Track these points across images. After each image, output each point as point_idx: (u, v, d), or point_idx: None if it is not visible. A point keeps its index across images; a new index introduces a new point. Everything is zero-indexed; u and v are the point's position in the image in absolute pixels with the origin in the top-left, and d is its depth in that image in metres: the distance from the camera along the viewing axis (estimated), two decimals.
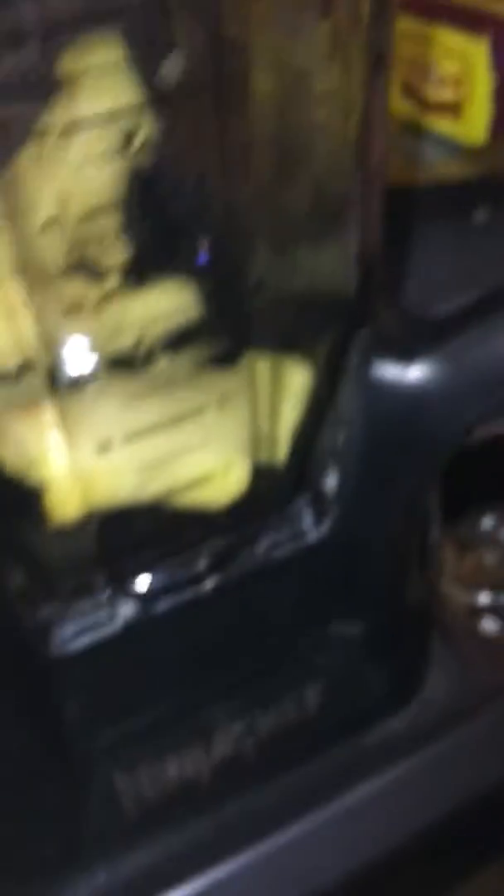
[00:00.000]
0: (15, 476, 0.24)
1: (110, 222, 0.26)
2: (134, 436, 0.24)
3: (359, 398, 0.26)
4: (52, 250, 0.24)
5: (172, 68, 0.21)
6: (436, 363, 0.26)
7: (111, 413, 0.24)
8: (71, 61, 0.22)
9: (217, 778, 0.30)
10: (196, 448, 0.25)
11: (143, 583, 0.27)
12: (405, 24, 0.43)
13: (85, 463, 0.24)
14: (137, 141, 0.25)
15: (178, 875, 0.28)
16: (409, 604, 0.32)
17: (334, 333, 0.26)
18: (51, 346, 0.24)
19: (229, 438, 0.26)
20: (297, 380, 0.28)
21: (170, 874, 0.28)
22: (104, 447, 0.23)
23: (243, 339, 0.27)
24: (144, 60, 0.25)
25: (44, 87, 0.22)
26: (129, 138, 0.25)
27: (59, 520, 0.24)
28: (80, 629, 0.26)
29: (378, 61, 0.24)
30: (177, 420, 0.25)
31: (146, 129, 0.24)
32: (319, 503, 0.28)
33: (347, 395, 0.26)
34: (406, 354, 0.26)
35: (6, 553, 0.24)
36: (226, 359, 0.27)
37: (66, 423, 0.23)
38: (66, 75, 0.24)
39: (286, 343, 0.27)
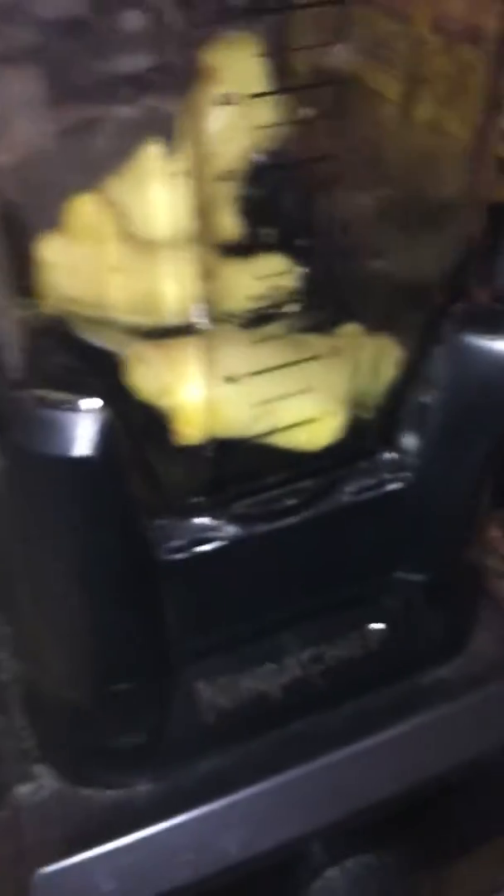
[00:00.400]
0: (147, 402, 0.28)
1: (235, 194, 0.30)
2: (255, 374, 0.28)
3: (449, 365, 0.30)
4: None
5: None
6: None
7: (237, 352, 0.28)
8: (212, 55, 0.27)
9: (286, 697, 0.33)
10: (302, 394, 0.29)
11: (243, 509, 0.31)
12: None
13: (212, 393, 0.28)
14: (271, 123, 0.29)
15: (246, 779, 0.32)
16: (467, 560, 0.35)
17: (431, 308, 0.30)
18: (191, 300, 0.28)
19: (331, 390, 0.30)
20: (395, 350, 0.31)
21: (237, 777, 0.32)
22: (231, 380, 0.27)
23: (347, 311, 0.31)
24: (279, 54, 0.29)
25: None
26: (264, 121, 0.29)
27: (183, 442, 0.28)
28: (187, 541, 0.30)
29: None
30: (290, 366, 0.28)
31: (280, 114, 0.29)
32: (401, 457, 0.32)
33: (439, 362, 0.30)
34: (495, 328, 0.29)
35: (135, 469, 0.28)
36: (326, 327, 0.31)
37: (201, 357, 0.27)
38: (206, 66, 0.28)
39: (388, 315, 0.31)
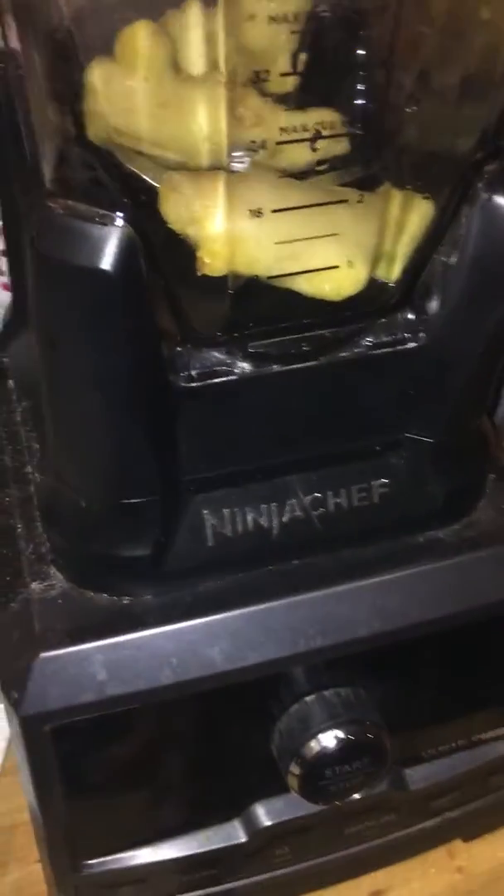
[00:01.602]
0: (175, 231, 0.30)
1: (286, 45, 0.31)
2: (281, 211, 0.29)
3: (476, 226, 0.30)
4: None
5: None
6: None
7: (265, 188, 0.29)
8: None
9: (285, 534, 0.35)
10: (327, 238, 0.30)
11: (259, 348, 0.32)
12: None
13: (237, 226, 0.29)
14: None
15: (238, 601, 0.34)
16: (476, 428, 0.36)
17: (465, 165, 0.30)
18: (226, 136, 0.28)
19: (357, 239, 0.31)
20: (424, 208, 0.32)
21: (230, 599, 0.34)
22: (257, 214, 0.28)
23: (384, 169, 0.32)
24: None
25: None
26: None
27: (206, 272, 0.29)
28: (205, 372, 0.32)
29: None
30: (317, 207, 0.29)
31: None
32: (420, 317, 0.33)
33: (467, 223, 0.30)
34: None
35: (158, 295, 0.30)
36: (365, 184, 0.31)
37: (229, 189, 0.28)
38: None
39: (421, 169, 0.31)
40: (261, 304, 0.32)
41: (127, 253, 0.27)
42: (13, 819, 0.46)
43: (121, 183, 0.29)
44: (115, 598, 0.35)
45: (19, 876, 0.44)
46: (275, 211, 0.28)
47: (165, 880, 0.40)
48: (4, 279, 0.62)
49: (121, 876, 0.39)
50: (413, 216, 0.31)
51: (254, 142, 0.27)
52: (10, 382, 0.44)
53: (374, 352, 0.33)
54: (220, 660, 0.33)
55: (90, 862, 0.38)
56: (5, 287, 0.62)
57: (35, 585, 0.35)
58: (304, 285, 0.31)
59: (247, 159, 0.29)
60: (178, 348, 0.31)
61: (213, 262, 0.29)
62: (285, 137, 0.30)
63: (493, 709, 0.41)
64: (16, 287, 0.42)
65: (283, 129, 0.29)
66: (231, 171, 0.29)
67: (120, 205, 0.27)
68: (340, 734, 0.36)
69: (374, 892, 0.45)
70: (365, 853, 0.43)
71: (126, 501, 0.33)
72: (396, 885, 0.45)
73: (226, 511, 0.35)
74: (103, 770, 0.36)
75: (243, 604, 0.34)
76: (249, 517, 0.35)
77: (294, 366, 0.32)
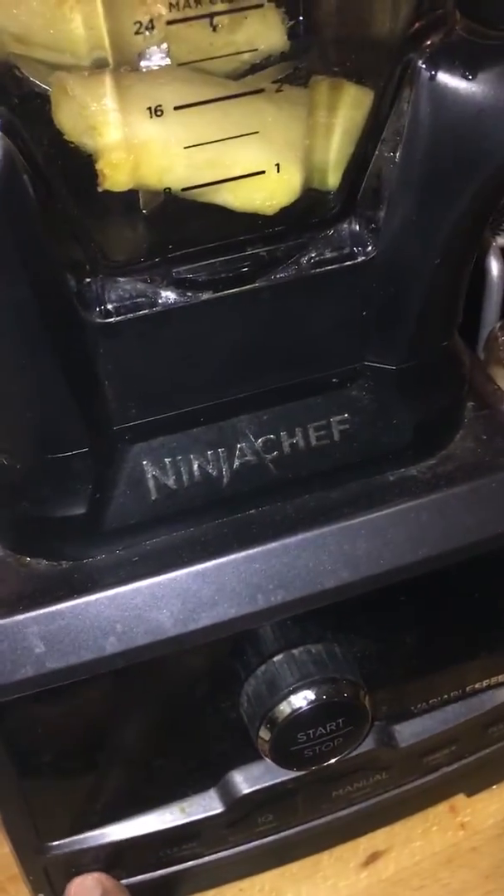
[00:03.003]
0: (73, 143, 0.26)
1: None
2: (185, 107, 0.25)
3: (419, 112, 0.26)
4: None
5: None
6: (499, 78, 0.25)
7: (165, 82, 0.25)
8: None
9: (237, 482, 0.32)
10: (249, 139, 0.26)
11: (186, 274, 0.28)
12: None
13: (137, 129, 0.25)
14: None
15: (187, 559, 0.31)
16: (445, 350, 0.32)
17: (400, 45, 0.26)
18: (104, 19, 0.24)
19: (285, 138, 0.27)
20: (358, 96, 0.28)
21: (178, 557, 0.31)
22: (156, 112, 0.24)
23: (313, 64, 0.27)
24: None
25: None
26: None
27: (108, 187, 0.26)
28: (123, 305, 0.28)
29: None
30: (231, 101, 0.25)
31: None
32: (365, 226, 0.29)
33: (407, 108, 0.26)
34: (471, 67, 0.25)
35: (53, 221, 0.26)
36: (296, 80, 0.27)
37: (121, 88, 0.24)
38: None
39: (349, 53, 0.27)
40: (182, 222, 0.28)
41: (5, 171, 0.23)
42: None
43: (7, 93, 0.25)
44: (53, 563, 0.31)
45: None
46: (178, 108, 0.24)
47: (143, 856, 0.38)
48: None
49: (91, 855, 0.36)
50: (346, 107, 0.27)
51: (139, 23, 0.23)
52: None
53: (318, 270, 0.29)
54: (169, 623, 0.30)
55: (55, 843, 0.35)
56: None
57: None
58: (230, 198, 0.27)
59: (143, 55, 0.24)
60: (88, 279, 0.27)
61: (114, 174, 0.25)
62: (175, 15, 0.25)
63: (482, 657, 0.38)
64: None
65: (171, 4, 0.25)
66: (123, 67, 0.25)
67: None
68: (311, 695, 0.32)
69: (373, 853, 0.42)
70: (359, 814, 0.40)
71: (52, 456, 0.30)
72: (397, 845, 0.42)
73: (168, 460, 0.31)
74: (57, 747, 0.33)
75: (193, 560, 0.31)
76: (195, 465, 0.31)
77: (227, 291, 0.28)
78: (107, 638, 0.30)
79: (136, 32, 0.23)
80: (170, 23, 0.23)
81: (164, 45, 0.24)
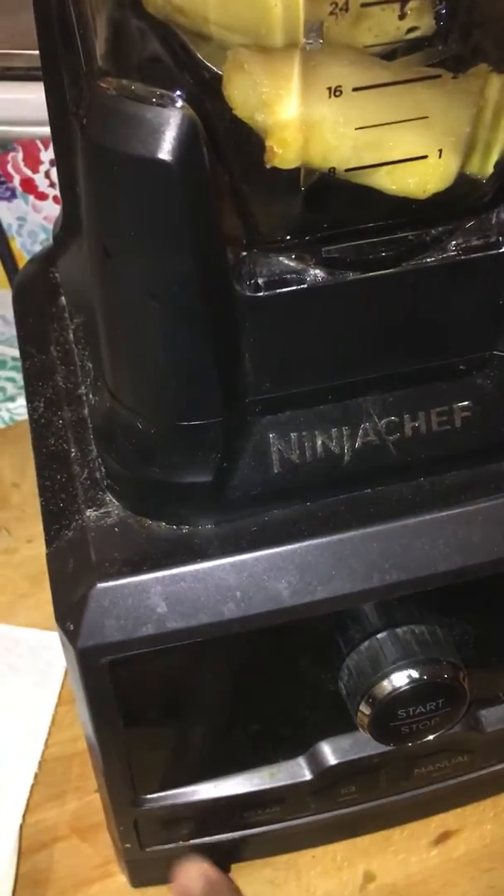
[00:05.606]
0: (241, 118, 0.26)
1: None
2: (363, 89, 0.25)
3: None
4: None
5: None
6: None
7: (346, 64, 0.25)
8: None
9: (358, 461, 0.32)
10: (416, 124, 0.26)
11: (335, 253, 0.29)
12: None
13: (313, 109, 0.25)
14: None
15: (307, 532, 0.32)
16: None
17: None
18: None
19: (449, 126, 0.27)
20: None
21: (298, 529, 0.32)
22: (335, 92, 0.25)
23: (475, 50, 0.28)
24: None
25: None
26: None
27: (276, 164, 0.26)
28: (272, 280, 0.28)
29: None
30: (405, 86, 0.25)
31: None
32: None
33: None
34: None
35: (221, 194, 0.27)
36: (456, 66, 0.27)
37: (307, 67, 0.25)
38: None
39: None
40: (337, 202, 0.28)
41: (189, 140, 0.23)
42: (70, 748, 0.45)
43: (182, 61, 0.25)
44: (174, 526, 0.32)
45: (77, 806, 0.43)
46: (356, 89, 0.25)
47: (227, 817, 0.39)
48: (56, 192, 0.59)
49: (181, 811, 0.37)
50: None
51: (334, 3, 0.23)
52: (63, 299, 0.41)
53: (463, 257, 0.29)
54: (287, 594, 0.31)
55: (149, 796, 0.37)
56: (56, 200, 0.59)
57: (90, 513, 0.33)
58: (386, 180, 0.28)
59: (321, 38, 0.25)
60: (244, 253, 0.28)
61: (284, 152, 0.26)
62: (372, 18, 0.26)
63: None
64: (65, 196, 0.39)
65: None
66: (307, 48, 0.25)
67: (181, 83, 0.23)
68: (414, 674, 0.33)
69: (444, 832, 0.43)
70: (435, 794, 0.41)
71: (186, 423, 0.30)
72: (468, 826, 0.43)
73: (293, 435, 0.32)
74: (162, 704, 0.34)
75: (312, 535, 0.32)
76: (319, 442, 0.32)
77: (372, 273, 0.29)
78: (226, 603, 0.31)
79: (331, 13, 0.23)
80: (363, 5, 0.23)
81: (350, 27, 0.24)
